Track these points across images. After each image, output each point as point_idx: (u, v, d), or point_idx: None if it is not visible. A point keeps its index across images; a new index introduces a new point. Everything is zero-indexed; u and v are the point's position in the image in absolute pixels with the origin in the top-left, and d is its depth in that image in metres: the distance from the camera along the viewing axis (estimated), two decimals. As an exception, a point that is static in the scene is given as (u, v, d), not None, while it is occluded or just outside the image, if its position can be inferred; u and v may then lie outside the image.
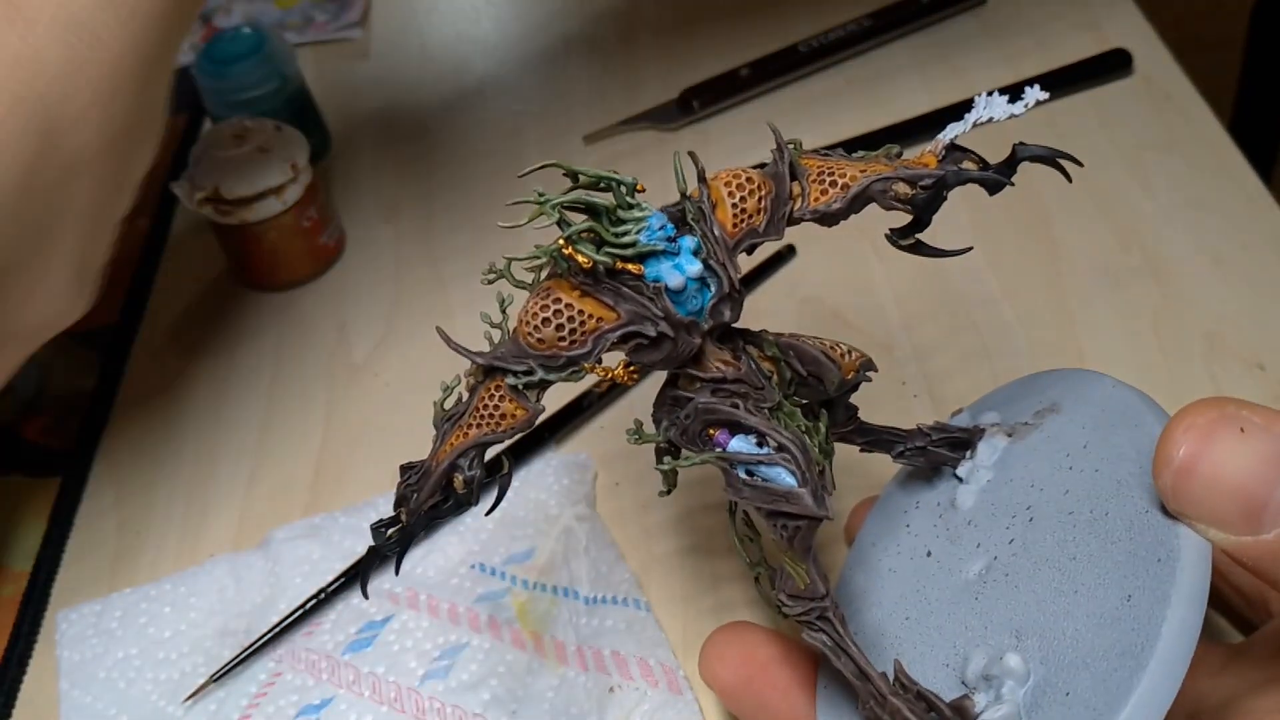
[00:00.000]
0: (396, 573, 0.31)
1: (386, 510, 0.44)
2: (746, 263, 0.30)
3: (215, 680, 0.40)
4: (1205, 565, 0.24)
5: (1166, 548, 0.24)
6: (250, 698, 0.40)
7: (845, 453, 0.33)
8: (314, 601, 0.41)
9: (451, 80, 0.67)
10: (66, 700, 0.40)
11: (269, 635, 0.40)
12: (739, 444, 0.26)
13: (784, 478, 0.26)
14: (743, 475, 0.26)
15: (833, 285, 0.50)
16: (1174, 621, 0.23)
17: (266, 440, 0.49)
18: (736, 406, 0.26)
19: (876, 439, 0.33)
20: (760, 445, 0.26)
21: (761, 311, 0.49)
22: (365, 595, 0.31)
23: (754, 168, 0.28)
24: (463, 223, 0.58)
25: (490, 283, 0.27)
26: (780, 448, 0.26)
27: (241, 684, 0.40)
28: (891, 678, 0.27)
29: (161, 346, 0.54)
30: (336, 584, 0.41)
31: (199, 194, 0.52)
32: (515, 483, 0.41)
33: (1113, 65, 0.57)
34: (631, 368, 0.27)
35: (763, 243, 0.27)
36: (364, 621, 0.41)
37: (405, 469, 0.29)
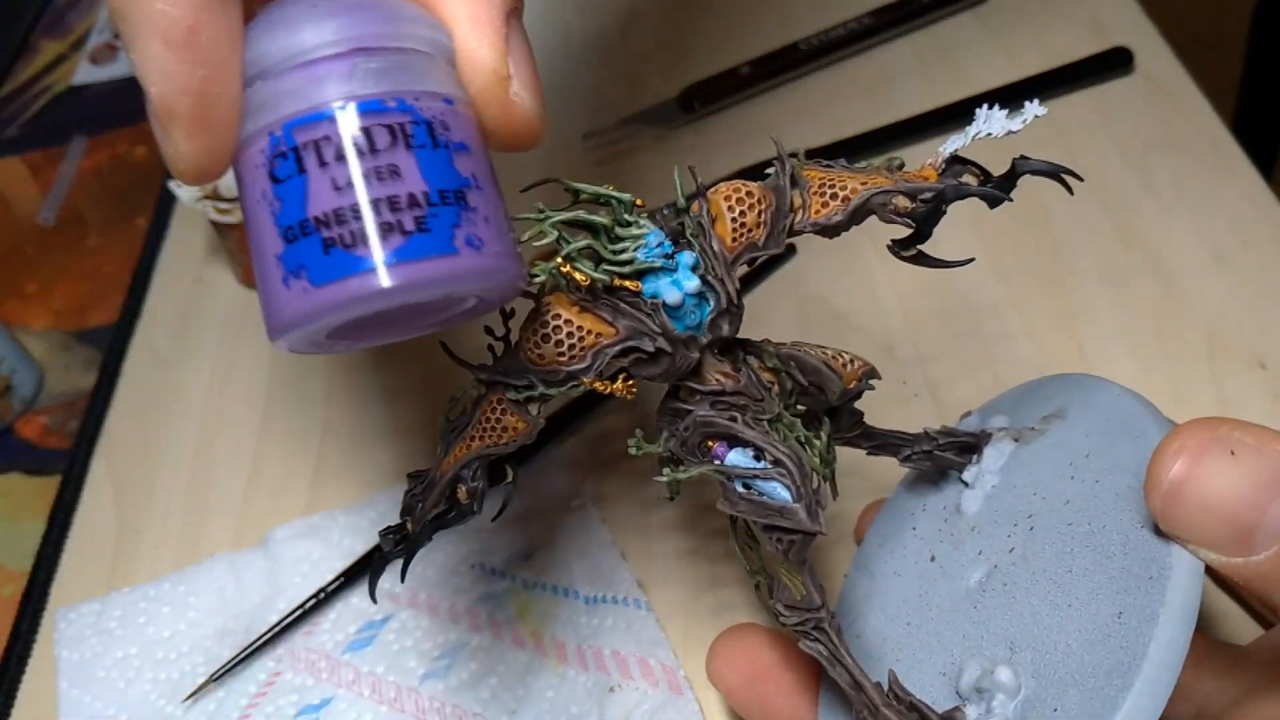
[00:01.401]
0: (403, 580, 0.31)
1: (386, 510, 0.44)
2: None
3: (215, 680, 0.40)
4: (1196, 585, 0.24)
5: (1159, 565, 0.24)
6: (250, 697, 0.40)
7: (854, 455, 0.33)
8: (314, 601, 0.41)
9: (451, 77, 0.66)
10: (66, 699, 0.41)
11: (269, 635, 0.41)
12: (736, 457, 0.26)
13: (779, 492, 0.26)
14: (739, 489, 0.26)
15: (833, 284, 0.50)
16: (1161, 641, 0.23)
17: (266, 440, 0.49)
18: (734, 419, 0.26)
19: (882, 443, 0.33)
20: (757, 459, 0.26)
21: (762, 311, 0.49)
22: (374, 600, 0.31)
23: (753, 168, 0.27)
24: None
25: None
26: (776, 462, 0.26)
27: (241, 683, 0.40)
28: (886, 687, 0.27)
29: (161, 346, 0.54)
30: (336, 583, 0.41)
31: (198, 192, 0.52)
32: (516, 483, 0.41)
33: (1114, 63, 0.57)
34: (630, 382, 0.27)
35: (763, 256, 0.27)
36: (364, 621, 0.41)
37: (412, 477, 0.29)
